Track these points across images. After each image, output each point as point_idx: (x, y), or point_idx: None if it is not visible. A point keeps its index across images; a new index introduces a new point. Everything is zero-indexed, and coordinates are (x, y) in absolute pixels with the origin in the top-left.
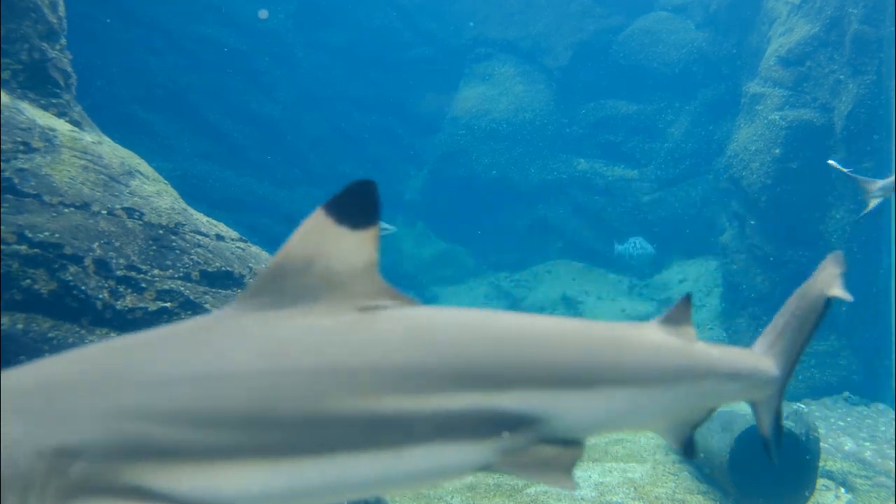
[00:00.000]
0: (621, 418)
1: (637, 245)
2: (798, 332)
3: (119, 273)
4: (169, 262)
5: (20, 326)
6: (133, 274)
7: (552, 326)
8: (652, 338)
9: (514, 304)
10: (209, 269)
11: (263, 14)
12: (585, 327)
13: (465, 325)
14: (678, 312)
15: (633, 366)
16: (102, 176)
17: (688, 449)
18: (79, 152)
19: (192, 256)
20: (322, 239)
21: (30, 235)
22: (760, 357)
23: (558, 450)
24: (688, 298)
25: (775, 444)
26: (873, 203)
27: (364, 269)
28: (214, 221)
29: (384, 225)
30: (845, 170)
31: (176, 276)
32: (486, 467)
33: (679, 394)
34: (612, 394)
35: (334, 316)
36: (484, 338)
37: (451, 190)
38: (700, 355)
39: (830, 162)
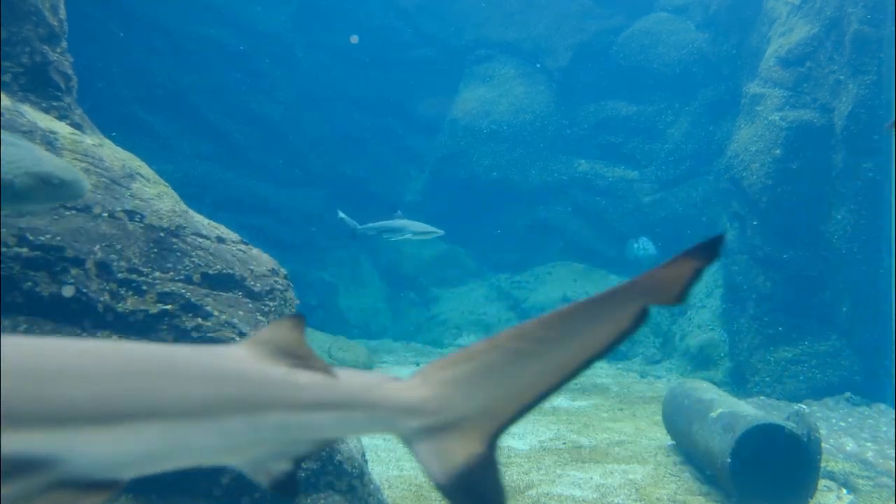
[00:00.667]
0: (167, 455)
1: (641, 246)
2: (520, 357)
3: (120, 275)
4: (170, 265)
5: (21, 329)
6: (134, 276)
7: (85, 354)
8: (216, 364)
9: (515, 306)
10: (210, 272)
11: (354, 39)
12: (131, 353)
13: None
14: (278, 332)
15: (176, 397)
16: (103, 178)
17: (282, 486)
18: (80, 155)
19: (193, 259)
20: None
21: (31, 238)
22: (406, 386)
23: (79, 494)
24: (298, 316)
25: (466, 496)
26: None
27: None
28: (215, 224)
29: (431, 228)
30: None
31: (177, 278)
32: None
33: (244, 426)
34: (145, 430)
35: None
36: None
37: (451, 191)
38: (279, 383)
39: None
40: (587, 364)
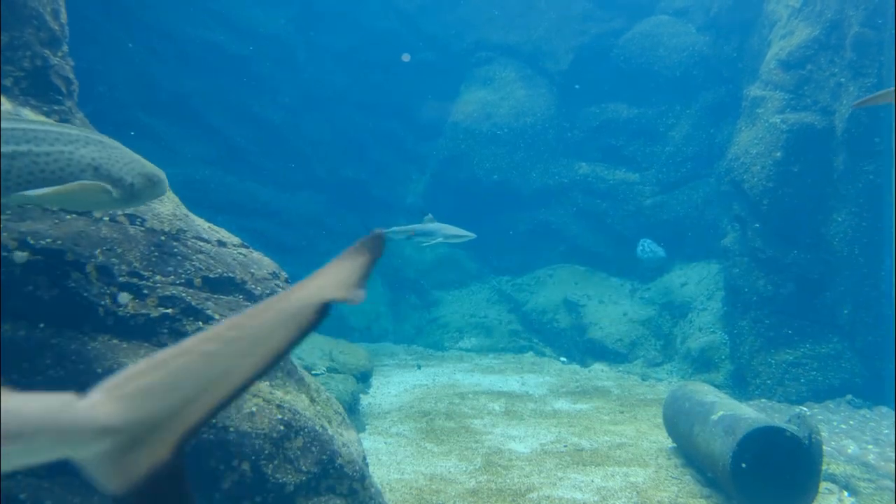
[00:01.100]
0: None
1: (647, 248)
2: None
3: (121, 279)
4: (171, 269)
5: (22, 333)
6: (135, 280)
7: None
8: None
9: (516, 308)
10: (211, 276)
11: (406, 57)
12: None
13: None
14: None
15: None
16: None
17: None
18: None
19: (193, 262)
20: None
21: (32, 242)
22: (91, 404)
23: None
24: None
25: None
26: None
27: None
28: (216, 227)
29: (464, 232)
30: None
31: (178, 282)
32: None
33: None
34: None
35: None
36: None
37: (452, 194)
38: None
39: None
40: (277, 359)
